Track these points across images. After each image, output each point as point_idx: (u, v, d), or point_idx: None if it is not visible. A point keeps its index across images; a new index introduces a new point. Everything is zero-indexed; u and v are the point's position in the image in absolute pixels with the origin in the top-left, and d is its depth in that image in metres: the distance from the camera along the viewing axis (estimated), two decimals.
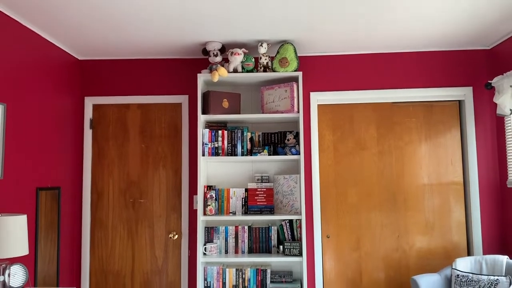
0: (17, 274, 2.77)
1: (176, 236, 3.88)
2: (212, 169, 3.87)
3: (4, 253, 2.43)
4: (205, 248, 3.60)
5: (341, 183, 3.91)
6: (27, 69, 3.16)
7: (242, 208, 3.67)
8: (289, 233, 3.65)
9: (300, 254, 3.51)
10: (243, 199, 3.68)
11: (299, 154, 3.58)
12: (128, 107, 4.01)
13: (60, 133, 3.63)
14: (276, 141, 3.75)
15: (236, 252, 3.68)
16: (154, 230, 3.90)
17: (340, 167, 3.92)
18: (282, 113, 3.59)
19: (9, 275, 2.59)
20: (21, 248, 2.55)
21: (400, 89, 3.87)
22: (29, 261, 3.14)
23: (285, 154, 3.62)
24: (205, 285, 3.62)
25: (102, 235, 3.91)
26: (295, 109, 3.58)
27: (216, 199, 3.67)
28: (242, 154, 3.63)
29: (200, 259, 3.50)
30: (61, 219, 3.61)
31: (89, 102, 4.00)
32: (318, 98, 3.91)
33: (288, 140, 3.67)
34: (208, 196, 3.63)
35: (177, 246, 3.89)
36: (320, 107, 3.94)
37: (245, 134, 3.65)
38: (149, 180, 3.95)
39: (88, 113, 4.00)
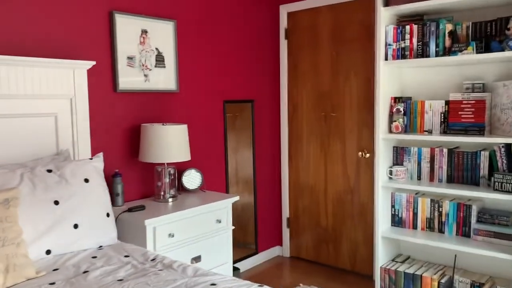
0: (193, 178, 3.06)
1: (368, 154, 3.43)
2: (404, 76, 3.12)
3: (168, 158, 2.68)
4: (390, 171, 3.04)
5: None
6: None
7: (440, 126, 2.86)
8: (504, 161, 2.64)
9: None
10: (442, 114, 2.85)
11: None
12: (319, 11, 3.60)
13: (255, 46, 3.63)
14: (493, 32, 2.65)
15: (431, 179, 2.95)
16: (346, 146, 3.55)
17: None
18: None
19: (176, 178, 2.87)
20: (184, 154, 2.76)
21: None
22: (220, 168, 3.41)
23: (502, 50, 2.52)
24: (392, 212, 3.11)
25: (298, 148, 3.85)
26: None
27: (405, 114, 2.97)
28: (436, 55, 2.74)
29: (380, 183, 2.99)
30: (255, 131, 3.73)
31: (284, 10, 3.81)
32: None
33: (508, 29, 2.53)
34: (394, 109, 2.97)
35: (369, 166, 3.44)
36: None
37: (440, 27, 2.72)
38: (340, 91, 3.55)
39: (283, 23, 3.83)
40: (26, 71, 2.19)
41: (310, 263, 3.85)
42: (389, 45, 2.91)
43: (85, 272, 1.78)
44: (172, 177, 2.83)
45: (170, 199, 2.79)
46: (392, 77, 3.03)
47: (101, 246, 2.11)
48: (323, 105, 3.66)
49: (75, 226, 2.02)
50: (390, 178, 3.05)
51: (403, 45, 2.86)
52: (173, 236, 2.53)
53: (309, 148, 3.77)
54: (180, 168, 3.06)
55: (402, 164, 3.07)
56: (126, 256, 1.97)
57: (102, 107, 2.64)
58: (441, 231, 2.91)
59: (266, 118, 3.83)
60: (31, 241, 1.87)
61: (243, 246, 3.71)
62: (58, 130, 2.35)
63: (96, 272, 1.77)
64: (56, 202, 1.98)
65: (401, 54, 2.87)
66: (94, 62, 2.45)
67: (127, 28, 2.74)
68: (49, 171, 2.06)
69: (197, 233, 2.68)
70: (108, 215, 2.17)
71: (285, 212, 3.98)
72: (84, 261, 1.90)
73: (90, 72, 2.54)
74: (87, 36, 2.55)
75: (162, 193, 2.81)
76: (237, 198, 2.94)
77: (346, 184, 3.58)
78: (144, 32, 2.85)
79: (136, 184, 2.86)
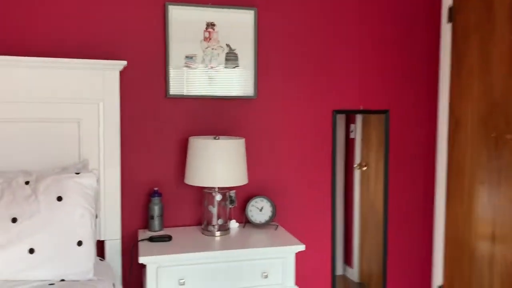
0: (261, 209, 2.37)
1: None
2: None
3: (214, 181, 2.12)
4: None
5: None
6: None
7: None
8: None
9: None
10: None
11: None
12: None
13: (393, 34, 2.61)
14: None
15: None
16: None
17: None
18: None
19: (229, 204, 2.25)
20: (237, 177, 2.13)
21: None
22: (322, 200, 2.56)
23: None
24: None
25: (458, 186, 2.55)
26: None
27: None
28: None
29: None
30: (390, 153, 2.66)
31: None
32: None
33: None
34: None
35: None
36: None
37: None
38: None
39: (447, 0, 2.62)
40: (44, 73, 2.04)
41: None
42: None
43: None
44: (225, 204, 2.23)
45: (218, 233, 2.20)
46: None
47: (63, 280, 1.75)
48: (495, 120, 2.29)
49: (31, 250, 1.72)
50: None
51: None
52: (183, 283, 1.94)
53: (473, 187, 2.44)
54: (251, 194, 2.42)
55: None
56: None
57: (147, 114, 2.29)
58: None
59: (410, 136, 2.69)
60: None
61: None
62: (81, 138, 2.13)
63: None
64: (14, 220, 1.73)
65: None
66: (125, 62, 2.11)
67: (187, 21, 2.30)
68: (27, 183, 1.84)
69: (225, 286, 2.00)
70: (80, 243, 1.79)
71: (437, 278, 2.71)
72: None
73: (133, 74, 2.24)
74: (132, 33, 2.24)
75: (213, 223, 2.24)
76: (302, 247, 2.07)
77: None
78: (211, 25, 2.34)
79: (190, 208, 2.38)
